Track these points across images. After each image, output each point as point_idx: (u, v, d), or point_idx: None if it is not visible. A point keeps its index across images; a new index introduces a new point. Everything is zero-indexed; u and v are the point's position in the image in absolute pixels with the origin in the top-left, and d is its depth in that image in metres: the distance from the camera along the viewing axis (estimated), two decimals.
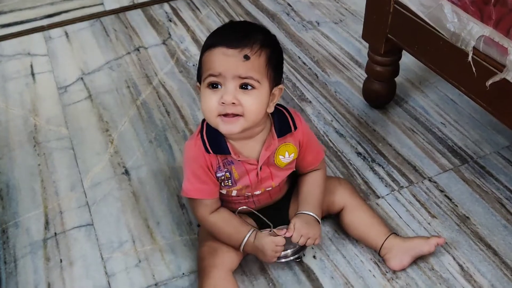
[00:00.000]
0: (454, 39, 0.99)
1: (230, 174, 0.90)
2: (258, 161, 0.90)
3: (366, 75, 1.34)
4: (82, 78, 1.52)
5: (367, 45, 1.30)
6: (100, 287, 0.98)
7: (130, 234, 1.07)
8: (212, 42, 0.83)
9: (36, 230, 1.09)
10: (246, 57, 0.81)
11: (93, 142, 1.30)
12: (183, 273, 0.99)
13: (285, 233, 0.92)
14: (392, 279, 0.97)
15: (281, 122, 0.91)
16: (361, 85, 1.39)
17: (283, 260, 0.95)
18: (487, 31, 0.92)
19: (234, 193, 0.94)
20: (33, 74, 1.54)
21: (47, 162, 1.25)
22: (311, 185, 0.99)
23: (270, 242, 0.90)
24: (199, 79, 0.87)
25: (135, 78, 1.51)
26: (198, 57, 1.55)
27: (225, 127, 0.83)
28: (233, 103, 0.81)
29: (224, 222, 0.92)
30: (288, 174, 0.97)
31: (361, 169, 1.20)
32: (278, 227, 0.95)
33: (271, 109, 0.88)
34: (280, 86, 0.88)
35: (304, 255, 1.00)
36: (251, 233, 0.91)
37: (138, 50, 1.63)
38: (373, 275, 0.98)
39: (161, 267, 1.01)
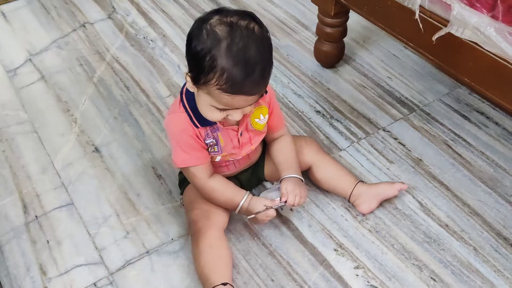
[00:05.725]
0: None
1: (216, 141, 0.95)
2: (238, 128, 0.96)
3: (314, 37, 1.42)
4: (30, 60, 1.48)
5: (311, 7, 1.36)
6: (93, 261, 1.01)
7: (112, 208, 1.10)
8: (233, 90, 0.82)
9: (16, 215, 1.09)
10: (262, 95, 0.92)
11: (56, 124, 1.29)
12: (172, 239, 1.05)
13: (280, 201, 0.98)
14: (363, 221, 1.08)
15: None
16: (311, 47, 1.46)
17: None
18: None
19: (218, 158, 0.99)
20: None
21: (12, 147, 1.23)
22: (285, 151, 1.05)
23: (263, 213, 0.97)
24: (196, 78, 0.84)
25: (86, 55, 1.49)
26: (146, 30, 1.59)
27: (224, 127, 0.94)
28: None
29: (222, 186, 0.97)
30: (263, 137, 1.04)
31: (321, 126, 1.28)
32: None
33: None
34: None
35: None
36: (246, 198, 0.98)
37: (84, 26, 1.60)
38: (346, 219, 1.08)
39: (150, 236, 1.05)
